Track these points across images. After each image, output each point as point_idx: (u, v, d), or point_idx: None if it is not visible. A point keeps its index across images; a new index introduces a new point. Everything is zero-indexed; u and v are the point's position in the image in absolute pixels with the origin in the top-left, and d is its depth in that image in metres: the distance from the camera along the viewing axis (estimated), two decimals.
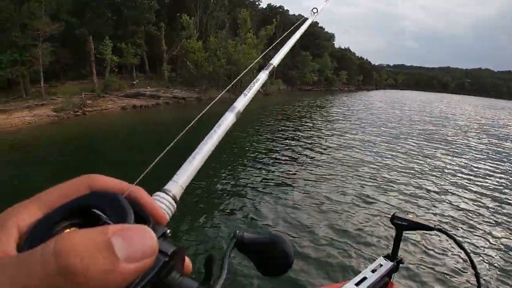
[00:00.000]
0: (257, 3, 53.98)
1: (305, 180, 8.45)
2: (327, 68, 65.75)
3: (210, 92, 31.40)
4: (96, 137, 13.31)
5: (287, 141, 13.17)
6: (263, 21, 48.16)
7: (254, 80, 0.65)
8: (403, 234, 1.37)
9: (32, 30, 18.24)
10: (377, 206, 7.06)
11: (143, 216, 0.26)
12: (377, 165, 10.06)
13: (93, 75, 22.59)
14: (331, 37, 72.83)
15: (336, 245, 5.35)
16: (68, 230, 0.24)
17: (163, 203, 0.33)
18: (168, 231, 0.27)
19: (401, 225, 1.33)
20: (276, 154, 10.92)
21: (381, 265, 1.36)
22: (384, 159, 10.89)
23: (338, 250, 5.21)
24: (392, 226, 1.36)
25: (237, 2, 45.59)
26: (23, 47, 18.32)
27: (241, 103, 0.57)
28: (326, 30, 72.09)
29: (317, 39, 66.06)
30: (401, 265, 1.37)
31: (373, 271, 1.33)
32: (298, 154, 11.01)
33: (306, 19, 1.14)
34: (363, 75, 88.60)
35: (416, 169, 10.02)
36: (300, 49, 61.24)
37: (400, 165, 10.30)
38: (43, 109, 17.61)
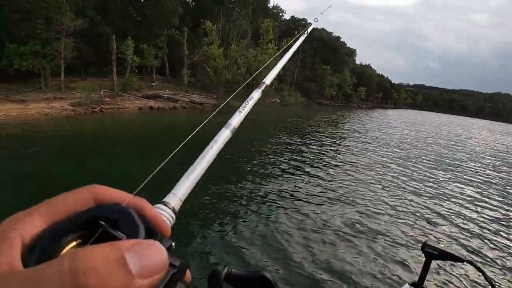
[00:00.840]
0: (280, 14, 54.08)
1: (316, 197, 7.58)
2: (346, 83, 64.88)
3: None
4: (108, 135, 12.82)
5: (300, 156, 12.19)
6: (285, 33, 48.07)
7: (248, 99, 0.67)
8: (432, 262, 1.34)
9: (56, 24, 18.17)
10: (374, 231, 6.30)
11: (151, 229, 0.27)
12: (383, 188, 8.95)
13: (113, 73, 22.39)
14: (352, 52, 72.11)
15: (359, 269, 5.06)
16: (74, 242, 0.24)
17: (164, 215, 0.33)
18: (173, 243, 0.28)
19: (431, 254, 1.32)
20: (290, 169, 9.98)
21: None
22: (390, 182, 9.77)
23: (362, 274, 4.92)
24: (421, 253, 1.33)
25: (261, 12, 45.61)
26: (46, 40, 18.27)
27: (236, 119, 0.59)
28: (348, 45, 71.38)
29: (338, 54, 65.49)
30: None
31: None
32: (307, 171, 10.04)
33: (307, 28, 1.38)
34: (382, 92, 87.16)
35: (426, 194, 8.94)
36: (321, 62, 60.80)
37: (406, 189, 9.17)
38: (61, 102, 17.49)
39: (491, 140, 34.31)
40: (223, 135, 0.53)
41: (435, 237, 6.40)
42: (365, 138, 19.64)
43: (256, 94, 0.71)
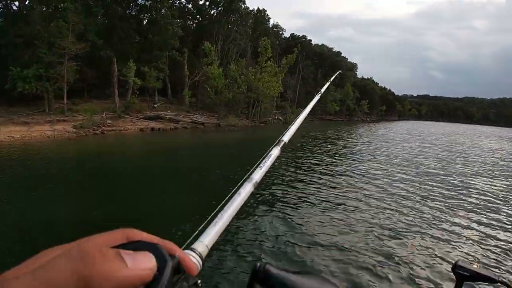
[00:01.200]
0: (280, 32, 54.94)
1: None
2: (349, 97, 64.97)
3: (229, 119, 30.99)
4: (108, 158, 12.63)
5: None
6: (286, 50, 48.73)
7: (268, 155, 0.72)
8: (464, 284, 1.29)
9: (59, 48, 18.50)
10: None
11: (178, 267, 0.29)
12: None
13: (115, 95, 22.58)
14: (353, 66, 72.65)
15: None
16: None
17: (191, 259, 0.35)
18: (199, 281, 0.30)
19: (463, 276, 1.27)
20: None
21: None
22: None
23: None
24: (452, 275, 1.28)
25: (262, 31, 46.35)
26: (48, 63, 18.59)
27: (258, 174, 0.65)
28: (349, 59, 72.03)
29: (339, 69, 65.92)
30: None
31: None
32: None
33: (316, 95, 1.53)
34: (385, 105, 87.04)
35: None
36: (323, 78, 61.13)
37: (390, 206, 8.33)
38: (63, 125, 17.63)
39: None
40: (246, 189, 0.57)
41: (465, 257, 5.94)
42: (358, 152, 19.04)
43: (275, 151, 0.75)
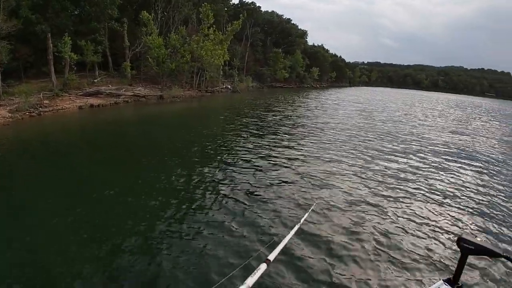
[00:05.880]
0: None
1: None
2: (299, 65, 67.43)
3: (173, 90, 32.35)
4: (43, 141, 13.57)
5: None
6: (234, 17, 48.92)
7: (256, 270, 0.83)
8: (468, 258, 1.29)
9: None
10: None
11: None
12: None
13: (51, 73, 23.12)
14: (304, 33, 74.51)
15: (389, 265, 5.07)
16: None
17: None
18: None
19: (468, 249, 1.29)
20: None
21: None
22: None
23: (393, 270, 4.94)
24: (457, 248, 1.30)
25: None
26: None
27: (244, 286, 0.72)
28: (301, 27, 73.57)
29: (289, 36, 67.56)
30: None
31: None
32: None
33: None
34: (336, 72, 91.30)
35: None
36: (272, 45, 62.64)
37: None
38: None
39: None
40: None
41: (470, 230, 6.38)
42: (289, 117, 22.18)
43: (263, 266, 0.94)
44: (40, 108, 19.49)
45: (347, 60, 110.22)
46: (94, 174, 9.44)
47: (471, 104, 66.89)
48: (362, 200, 7.96)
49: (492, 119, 37.43)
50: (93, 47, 27.26)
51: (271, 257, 0.85)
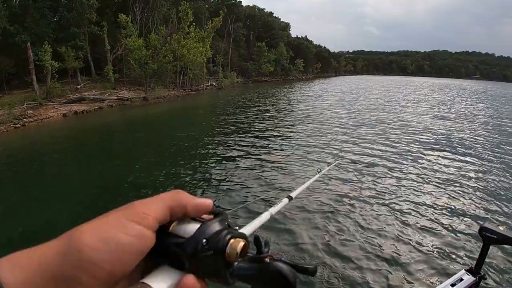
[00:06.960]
0: None
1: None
2: (283, 57, 67.93)
3: (157, 90, 32.68)
4: (29, 152, 13.79)
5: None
6: (215, 14, 48.87)
7: (278, 202, 0.96)
8: (491, 247, 1.23)
9: None
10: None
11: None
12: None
13: (33, 83, 23.32)
14: (286, 26, 74.86)
15: (410, 254, 5.04)
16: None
17: None
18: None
19: (490, 238, 1.25)
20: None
21: (462, 280, 1.27)
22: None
23: (414, 260, 4.89)
24: (479, 237, 1.28)
25: None
26: None
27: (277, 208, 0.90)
28: (284, 19, 73.89)
29: (272, 29, 67.90)
30: (483, 281, 1.26)
31: (453, 285, 1.26)
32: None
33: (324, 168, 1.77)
34: (321, 63, 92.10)
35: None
36: (256, 40, 62.95)
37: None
38: None
39: None
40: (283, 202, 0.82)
41: (493, 219, 6.18)
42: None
43: (285, 200, 1.02)
44: (25, 119, 19.78)
45: (332, 50, 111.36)
46: (84, 182, 9.82)
47: (456, 87, 68.31)
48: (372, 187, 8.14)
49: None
50: (73, 53, 27.38)
51: (293, 194, 1.05)
